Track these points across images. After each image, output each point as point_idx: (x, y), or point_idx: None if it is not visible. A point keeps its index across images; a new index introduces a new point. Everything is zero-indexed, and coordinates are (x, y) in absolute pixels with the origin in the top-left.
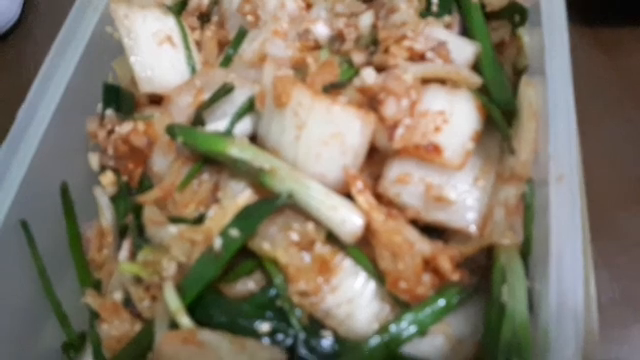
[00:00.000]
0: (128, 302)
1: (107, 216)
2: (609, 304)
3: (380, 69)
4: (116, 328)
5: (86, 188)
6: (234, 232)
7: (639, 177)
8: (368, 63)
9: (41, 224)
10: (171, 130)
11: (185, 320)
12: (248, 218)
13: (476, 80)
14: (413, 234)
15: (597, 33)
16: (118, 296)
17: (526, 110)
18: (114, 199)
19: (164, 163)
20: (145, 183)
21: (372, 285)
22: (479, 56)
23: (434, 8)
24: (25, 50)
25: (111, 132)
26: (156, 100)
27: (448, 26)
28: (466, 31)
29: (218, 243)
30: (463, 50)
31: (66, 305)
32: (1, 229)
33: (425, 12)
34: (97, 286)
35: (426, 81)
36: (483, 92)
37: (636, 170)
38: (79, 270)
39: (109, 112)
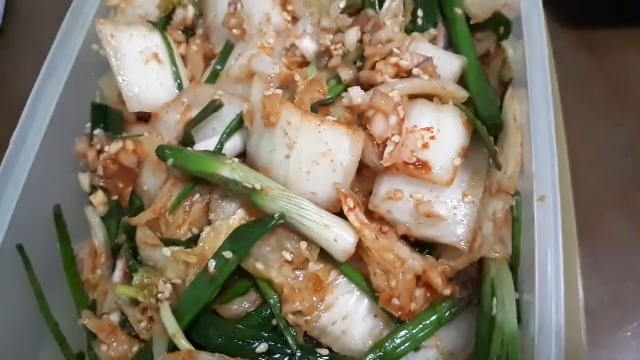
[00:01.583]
0: (125, 323)
1: (99, 236)
2: (598, 308)
3: (367, 85)
4: (114, 349)
5: (78, 208)
6: (227, 254)
7: (626, 179)
8: (355, 79)
9: (36, 246)
10: (161, 152)
11: (183, 342)
12: (241, 240)
13: (462, 94)
14: (404, 251)
15: (583, 34)
16: (115, 317)
17: (511, 124)
18: (105, 218)
19: (154, 182)
20: (135, 202)
21: (366, 301)
22: (465, 69)
23: (419, 21)
24: (7, 58)
25: (100, 152)
26: (144, 117)
27: (433, 39)
28: (451, 43)
29: (212, 265)
30: (449, 64)
31: (63, 325)
32: None
33: (410, 25)
34: (93, 306)
35: (413, 97)
36: (469, 105)
37: (623, 172)
38: (74, 291)
39: (98, 132)
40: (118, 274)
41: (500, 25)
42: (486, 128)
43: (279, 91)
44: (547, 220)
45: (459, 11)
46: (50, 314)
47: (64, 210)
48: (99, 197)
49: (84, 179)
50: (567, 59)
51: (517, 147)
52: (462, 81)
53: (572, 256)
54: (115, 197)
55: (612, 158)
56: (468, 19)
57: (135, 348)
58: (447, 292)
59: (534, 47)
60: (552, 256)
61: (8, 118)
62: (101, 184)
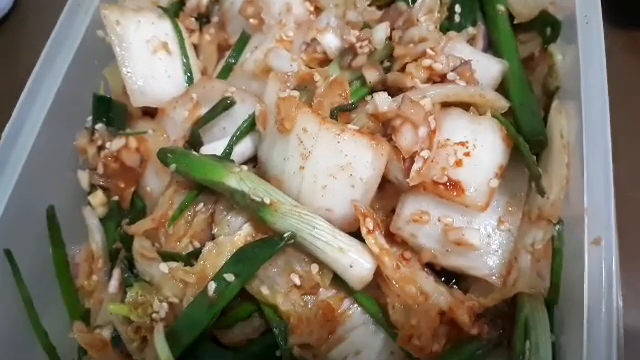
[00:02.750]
0: (117, 340)
1: (97, 239)
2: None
3: (395, 89)
4: None
5: (75, 208)
6: (230, 277)
7: None
8: (382, 81)
9: (27, 250)
10: (163, 155)
11: None
12: (246, 261)
13: (502, 104)
14: (429, 283)
15: (633, 37)
16: (107, 333)
17: (557, 141)
18: (104, 220)
19: (157, 183)
20: (137, 203)
21: (382, 336)
22: (506, 75)
23: (457, 18)
24: (19, 38)
25: (101, 148)
26: (151, 113)
27: (472, 40)
28: (491, 45)
29: (212, 288)
30: (488, 69)
31: (54, 334)
32: None
33: (447, 23)
34: (86, 316)
35: (447, 105)
36: (509, 116)
37: None
38: (67, 299)
39: (100, 126)
40: (114, 284)
41: (547, 26)
42: (529, 145)
43: (296, 93)
44: (600, 267)
45: (502, 8)
46: (39, 323)
47: (60, 210)
48: (98, 197)
49: (83, 177)
50: (614, 62)
51: (563, 169)
52: (502, 88)
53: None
54: (115, 198)
55: None
56: (511, 18)
57: None
58: (474, 332)
59: (590, 54)
60: (605, 311)
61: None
62: (101, 183)
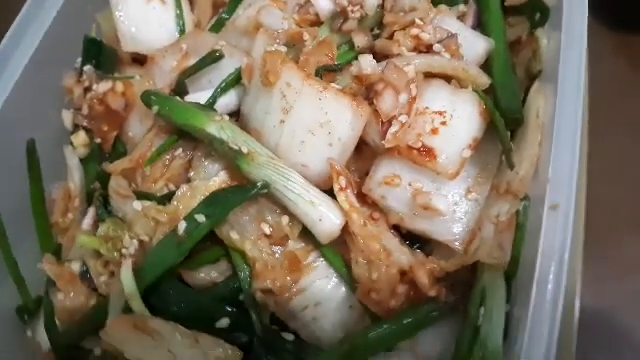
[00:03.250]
0: (86, 274)
1: (75, 178)
2: (591, 331)
3: (381, 56)
4: (71, 300)
5: (56, 147)
6: (201, 218)
7: None
8: (370, 47)
9: (5, 183)
10: (147, 97)
11: (138, 305)
12: (217, 205)
13: (484, 80)
14: (392, 242)
15: (623, 39)
16: (76, 266)
17: (532, 121)
18: (84, 161)
19: (140, 129)
20: (119, 148)
21: (343, 290)
22: (491, 54)
23: None
24: None
25: (88, 90)
26: (140, 60)
27: (462, 16)
28: (480, 24)
29: (182, 227)
30: (474, 45)
31: (25, 268)
32: None
33: None
34: (58, 251)
35: (430, 75)
36: (489, 93)
37: None
38: (40, 233)
39: (88, 68)
40: (87, 222)
41: (537, 11)
42: (505, 122)
43: (284, 48)
44: (556, 231)
45: None
46: (10, 253)
47: (42, 147)
48: (80, 138)
49: (67, 117)
50: (602, 62)
51: (535, 147)
52: (486, 66)
53: (575, 273)
54: (98, 140)
55: (636, 177)
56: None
57: (92, 302)
58: (432, 293)
59: (571, 40)
60: (555, 271)
61: None
62: (84, 124)
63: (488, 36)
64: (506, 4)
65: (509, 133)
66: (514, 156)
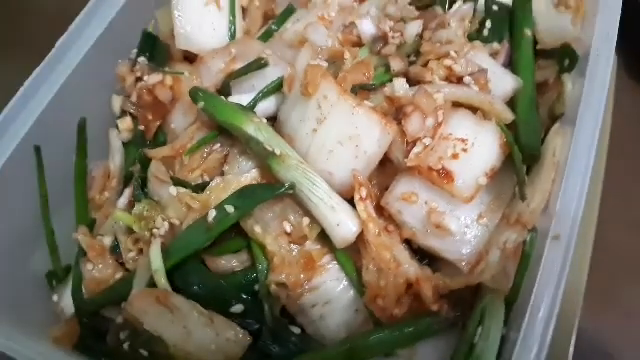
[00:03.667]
0: (116, 249)
1: (116, 160)
2: None
3: (414, 81)
4: (99, 270)
5: (102, 128)
6: (230, 208)
7: None
8: (405, 72)
9: (54, 154)
10: (194, 93)
11: (162, 281)
12: (246, 198)
13: (509, 116)
14: (403, 254)
15: None
16: (108, 241)
17: (548, 158)
18: (127, 145)
19: (182, 122)
20: (160, 137)
21: (351, 293)
22: (518, 92)
23: (485, 32)
24: None
25: (139, 80)
26: (190, 58)
27: (495, 54)
28: (511, 63)
29: (212, 215)
30: (503, 82)
31: (59, 237)
32: (16, 149)
33: (475, 34)
34: (91, 225)
35: (457, 105)
36: (511, 129)
37: None
38: (78, 205)
39: (142, 60)
40: (123, 201)
41: (566, 57)
42: (522, 157)
43: (325, 64)
44: (555, 261)
45: (528, 33)
46: (49, 219)
47: (89, 128)
48: (126, 122)
49: (116, 101)
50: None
51: (548, 183)
52: (511, 103)
53: (573, 306)
54: (141, 127)
55: None
56: (535, 43)
57: (119, 275)
58: (435, 307)
59: (594, 86)
60: (548, 300)
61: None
62: (131, 111)
63: (517, 74)
64: (538, 47)
65: (525, 167)
66: (527, 189)
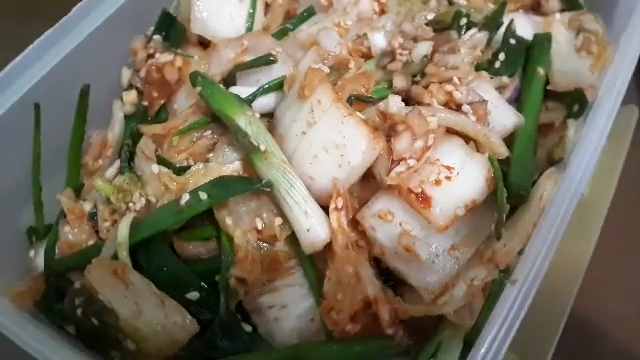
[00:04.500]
0: (94, 216)
1: (115, 130)
2: None
3: (415, 102)
4: (74, 234)
5: (108, 98)
6: (203, 195)
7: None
8: (406, 90)
9: (56, 117)
10: (194, 77)
11: (124, 254)
12: (221, 187)
13: (503, 151)
14: (367, 271)
15: None
16: (88, 207)
17: (535, 202)
18: (128, 118)
19: (185, 104)
20: (162, 115)
21: (310, 302)
22: (518, 130)
23: (497, 64)
24: None
25: (151, 56)
26: (205, 43)
27: (502, 87)
28: (518, 99)
29: (185, 199)
30: (503, 117)
31: (49, 197)
32: (15, 105)
33: (486, 64)
34: (79, 190)
35: (451, 131)
36: (503, 164)
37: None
38: (70, 168)
39: (157, 38)
40: (111, 171)
41: (576, 103)
42: (510, 195)
43: (327, 69)
44: (505, 305)
45: (541, 72)
46: (38, 176)
47: (96, 96)
48: (131, 96)
49: (125, 74)
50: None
51: (529, 227)
52: (508, 139)
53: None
54: (145, 103)
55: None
56: (547, 82)
57: (91, 242)
58: (390, 331)
59: (590, 135)
60: (495, 344)
61: None
62: (138, 85)
63: (521, 112)
64: (548, 87)
65: (509, 206)
66: (508, 229)
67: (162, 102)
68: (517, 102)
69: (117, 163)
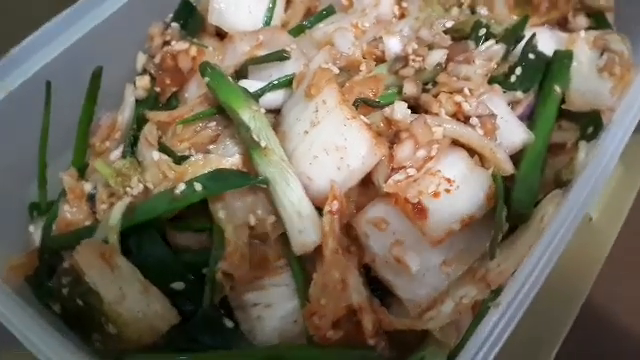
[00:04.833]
0: (93, 197)
1: (125, 114)
2: None
3: (423, 110)
4: (72, 213)
5: (121, 81)
6: (198, 186)
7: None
8: (415, 98)
9: (70, 98)
10: (203, 67)
11: (114, 237)
12: (217, 180)
13: (508, 167)
14: (354, 279)
15: None
16: (88, 187)
17: (535, 223)
18: (139, 103)
19: (196, 94)
20: (172, 103)
21: (295, 304)
22: (527, 148)
23: (513, 79)
24: None
25: (167, 43)
26: (222, 35)
27: (516, 103)
28: (531, 116)
29: (180, 188)
30: (512, 134)
31: (55, 175)
32: (27, 81)
33: (502, 77)
34: (83, 170)
35: (457, 143)
36: (508, 181)
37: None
38: (77, 148)
39: (175, 25)
40: (116, 154)
41: (591, 125)
42: (510, 214)
43: (337, 70)
44: (486, 327)
45: (558, 90)
46: (45, 152)
47: (110, 78)
48: (144, 81)
49: (140, 59)
50: None
51: (525, 248)
52: (516, 156)
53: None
54: (157, 89)
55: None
56: (562, 101)
57: (88, 223)
58: (371, 342)
59: (600, 160)
60: None
61: None
62: (152, 71)
63: (532, 130)
64: (563, 106)
65: (507, 226)
66: (503, 249)
67: (174, 90)
68: (529, 119)
69: (121, 147)
